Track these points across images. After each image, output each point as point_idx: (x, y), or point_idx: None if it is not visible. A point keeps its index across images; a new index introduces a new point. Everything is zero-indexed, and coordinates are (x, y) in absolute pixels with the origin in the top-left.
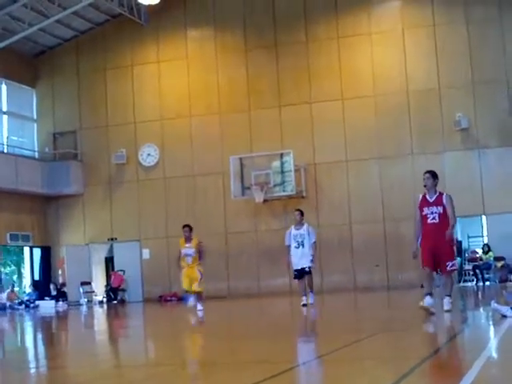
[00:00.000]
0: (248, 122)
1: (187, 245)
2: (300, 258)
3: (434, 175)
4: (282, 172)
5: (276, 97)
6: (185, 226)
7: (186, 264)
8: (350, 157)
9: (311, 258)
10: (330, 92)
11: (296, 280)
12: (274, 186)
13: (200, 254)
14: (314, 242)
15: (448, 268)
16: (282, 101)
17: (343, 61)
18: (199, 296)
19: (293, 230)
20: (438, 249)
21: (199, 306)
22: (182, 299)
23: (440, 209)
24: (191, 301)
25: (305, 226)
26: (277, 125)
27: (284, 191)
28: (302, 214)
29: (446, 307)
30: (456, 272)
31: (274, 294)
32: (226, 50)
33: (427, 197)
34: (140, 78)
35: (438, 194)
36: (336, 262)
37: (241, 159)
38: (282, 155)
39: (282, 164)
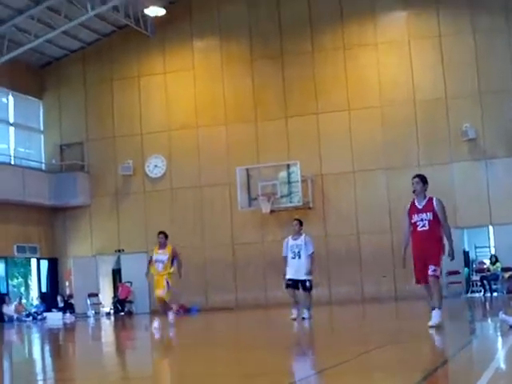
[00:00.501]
0: (254, 132)
1: (160, 251)
2: (297, 270)
3: (423, 180)
4: (289, 183)
5: (282, 107)
6: (160, 233)
7: (156, 272)
8: (357, 167)
9: (307, 270)
10: (336, 102)
11: (287, 289)
12: (281, 196)
13: (173, 261)
14: (312, 253)
15: (430, 272)
16: (289, 111)
17: (349, 71)
18: (167, 306)
19: (290, 241)
20: (426, 254)
21: (170, 316)
22: (188, 311)
23: (430, 215)
24: (171, 314)
25: (302, 237)
26: (283, 135)
27: (291, 202)
28: (300, 223)
29: (431, 322)
30: (463, 283)
31: (282, 304)
32: (232, 60)
33: (416, 203)
34: (147, 89)
35: (427, 199)
36: (344, 273)
37: (247, 170)
38: (288, 166)
39: (289, 175)
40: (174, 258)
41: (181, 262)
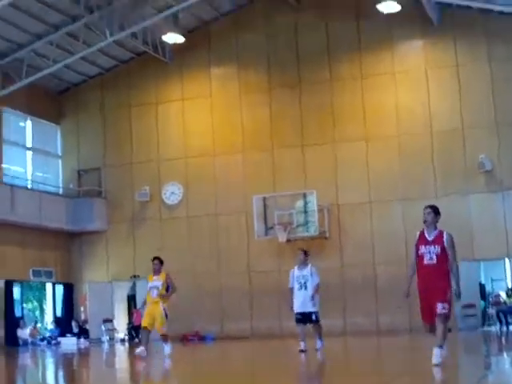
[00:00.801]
0: (271, 161)
1: (155, 277)
2: (303, 302)
3: (435, 210)
4: (305, 212)
5: (299, 136)
6: (155, 259)
7: (151, 299)
8: (374, 198)
9: (313, 301)
10: (353, 132)
11: (297, 324)
12: (297, 226)
13: (168, 287)
14: (318, 284)
15: (438, 310)
16: (306, 140)
17: (367, 100)
18: (164, 338)
19: (296, 271)
20: (432, 292)
21: (166, 349)
22: (203, 339)
23: (438, 248)
24: (142, 349)
25: (308, 267)
26: (300, 164)
27: (307, 232)
28: (306, 254)
29: (434, 360)
30: (479, 316)
31: (297, 335)
32: (250, 88)
33: (426, 234)
34: (164, 116)
35: (437, 231)
36: (359, 304)
37: (264, 199)
38: (305, 195)
39: (306, 204)
40: (168, 284)
41: (175, 288)
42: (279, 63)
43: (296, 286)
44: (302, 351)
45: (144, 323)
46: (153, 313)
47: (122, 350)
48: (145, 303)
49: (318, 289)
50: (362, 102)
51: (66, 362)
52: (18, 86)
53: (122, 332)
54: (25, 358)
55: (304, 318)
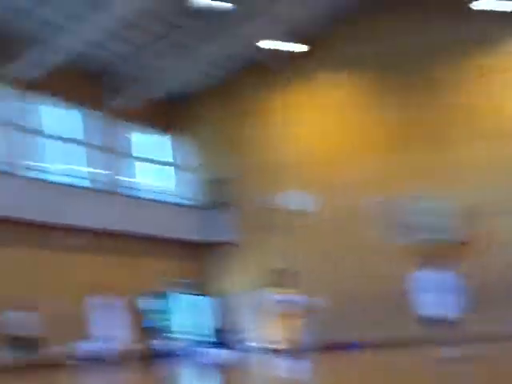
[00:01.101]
0: (400, 163)
1: (284, 290)
2: (435, 305)
3: None
4: (435, 216)
5: (429, 138)
6: (283, 271)
7: (281, 314)
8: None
9: (454, 305)
10: (477, 130)
11: (426, 327)
12: (427, 230)
13: (301, 302)
14: (460, 288)
15: None
16: (434, 142)
17: (484, 99)
18: (288, 351)
19: (423, 274)
20: None
21: (288, 364)
22: (352, 347)
23: None
24: (289, 362)
25: (437, 270)
26: (423, 167)
27: (437, 235)
28: (434, 256)
29: None
30: None
31: (423, 342)
32: (359, 92)
33: None
34: (285, 123)
35: None
36: (503, 311)
37: (390, 202)
38: (434, 198)
39: (436, 207)
40: (301, 299)
41: (310, 303)
42: (388, 66)
43: (424, 289)
44: (442, 360)
45: (277, 343)
46: (286, 328)
47: (268, 362)
48: (267, 314)
49: (461, 292)
50: (480, 101)
51: (211, 375)
52: (130, 99)
53: (260, 342)
54: (164, 370)
55: (435, 321)
